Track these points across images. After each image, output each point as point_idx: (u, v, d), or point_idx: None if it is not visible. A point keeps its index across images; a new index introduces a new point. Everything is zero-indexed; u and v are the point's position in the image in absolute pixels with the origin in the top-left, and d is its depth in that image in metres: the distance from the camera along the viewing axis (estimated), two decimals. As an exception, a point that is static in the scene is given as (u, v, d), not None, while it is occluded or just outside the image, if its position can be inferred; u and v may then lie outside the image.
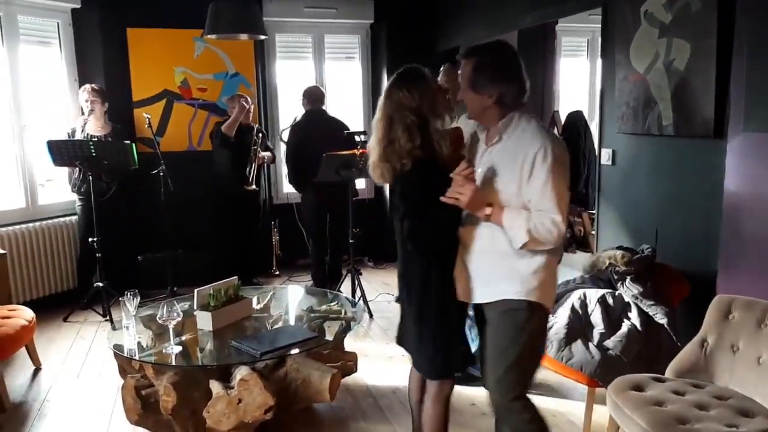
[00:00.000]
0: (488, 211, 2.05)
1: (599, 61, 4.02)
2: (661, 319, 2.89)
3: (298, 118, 5.06)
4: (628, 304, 3.00)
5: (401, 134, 2.14)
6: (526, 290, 2.10)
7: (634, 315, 2.94)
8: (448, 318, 2.25)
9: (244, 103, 4.98)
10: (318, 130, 4.80)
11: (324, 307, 3.43)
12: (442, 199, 2.07)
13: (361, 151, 4.25)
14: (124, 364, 3.08)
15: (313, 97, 4.97)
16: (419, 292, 2.26)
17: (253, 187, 5.08)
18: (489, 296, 2.16)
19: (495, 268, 2.13)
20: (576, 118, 5.81)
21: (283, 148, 5.24)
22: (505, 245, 2.08)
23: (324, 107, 5.02)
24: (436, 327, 2.25)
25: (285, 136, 5.22)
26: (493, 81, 2.09)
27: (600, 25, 3.84)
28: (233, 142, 4.96)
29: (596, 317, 2.99)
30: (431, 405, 2.37)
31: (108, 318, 4.52)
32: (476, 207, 2.06)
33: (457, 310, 2.26)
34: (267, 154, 5.29)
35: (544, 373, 3.43)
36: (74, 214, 4.96)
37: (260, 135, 5.17)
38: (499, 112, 2.12)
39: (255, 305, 3.43)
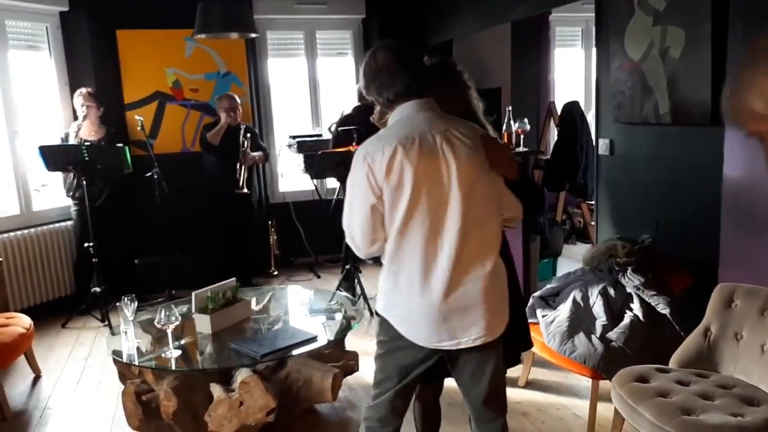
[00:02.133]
0: None
1: (594, 51, 4.00)
2: (663, 309, 2.87)
3: (345, 112, 5.07)
4: (630, 295, 2.98)
5: None
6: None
7: (636, 306, 2.93)
8: None
9: (229, 113, 4.97)
10: (364, 124, 4.76)
11: (324, 307, 3.41)
12: None
13: (356, 147, 4.22)
14: (124, 369, 3.06)
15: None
16: None
17: (245, 190, 5.01)
18: None
19: None
20: (572, 108, 5.78)
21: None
22: None
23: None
24: None
25: (333, 128, 5.21)
26: (364, 88, 2.02)
27: (594, 14, 3.81)
28: (217, 147, 4.97)
29: (598, 309, 2.97)
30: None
31: (107, 323, 4.49)
32: None
33: None
34: (258, 153, 5.19)
35: (549, 367, 3.42)
36: (69, 219, 4.92)
37: (249, 135, 5.08)
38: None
39: (254, 307, 3.40)
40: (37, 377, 3.76)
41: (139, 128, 4.79)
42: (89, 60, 5.11)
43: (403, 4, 5.81)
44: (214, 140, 4.95)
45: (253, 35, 4.54)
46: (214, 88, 5.45)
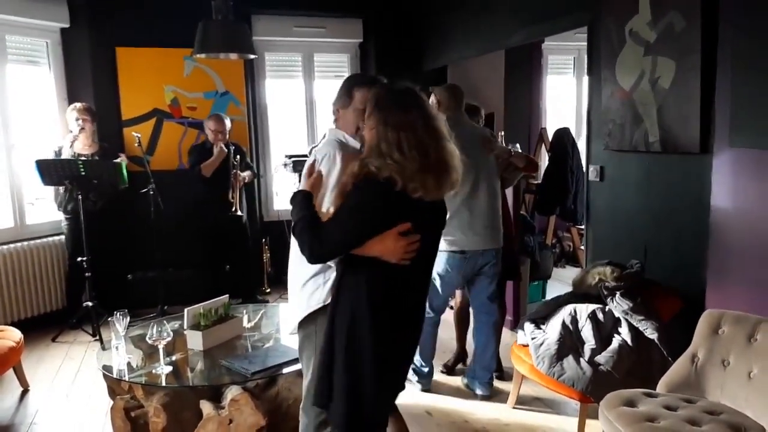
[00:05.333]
0: None
1: (585, 79, 4.07)
2: (651, 334, 2.90)
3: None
4: (619, 319, 3.01)
5: None
6: None
7: (624, 330, 2.96)
8: None
9: (217, 135, 4.95)
10: None
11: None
12: None
13: None
14: (114, 385, 3.04)
15: None
16: None
17: (239, 213, 5.00)
18: None
19: None
20: (563, 134, 5.87)
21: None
22: None
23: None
24: None
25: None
26: None
27: (586, 44, 3.90)
28: (209, 177, 4.96)
29: (587, 333, 3.00)
30: None
31: (98, 338, 4.46)
32: None
33: None
34: (247, 173, 5.18)
35: (537, 389, 3.44)
36: (62, 233, 4.92)
37: (238, 156, 5.06)
38: None
39: (246, 324, 3.41)
40: (25, 391, 3.73)
41: (136, 144, 4.82)
42: (88, 76, 5.15)
43: (400, 29, 5.90)
44: (208, 173, 4.92)
45: (252, 56, 4.60)
46: (212, 107, 5.49)
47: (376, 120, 1.96)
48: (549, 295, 5.00)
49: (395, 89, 2.06)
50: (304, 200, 2.05)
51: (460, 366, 3.90)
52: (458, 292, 3.83)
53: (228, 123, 5.07)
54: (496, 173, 3.51)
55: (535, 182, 6.19)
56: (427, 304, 3.42)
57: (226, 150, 4.96)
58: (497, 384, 3.64)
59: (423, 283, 2.12)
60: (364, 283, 1.96)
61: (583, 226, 4.72)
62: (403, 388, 2.17)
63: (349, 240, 1.93)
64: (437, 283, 3.40)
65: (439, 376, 3.73)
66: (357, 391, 1.97)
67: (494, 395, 3.52)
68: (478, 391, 3.55)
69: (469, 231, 3.33)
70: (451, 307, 4.07)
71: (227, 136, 5.07)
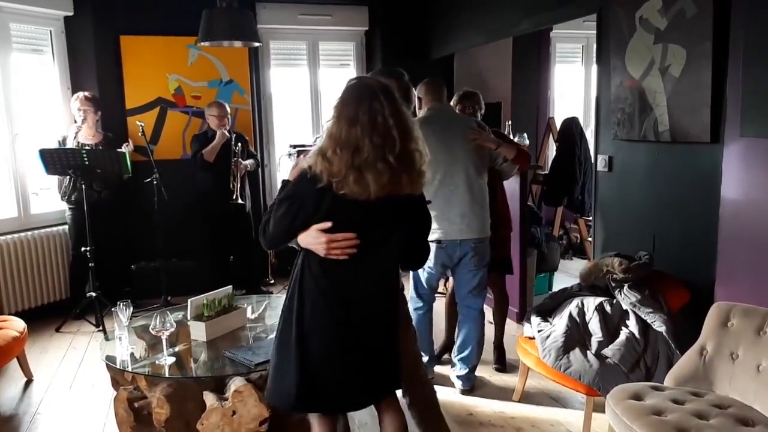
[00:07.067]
0: None
1: (594, 67, 4.02)
2: (659, 326, 2.87)
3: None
4: (626, 311, 2.98)
5: None
6: None
7: (632, 323, 2.92)
8: None
9: (225, 132, 4.91)
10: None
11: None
12: None
13: None
14: (117, 375, 3.03)
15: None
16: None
17: (240, 201, 4.97)
18: None
19: None
20: (571, 124, 5.81)
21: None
22: None
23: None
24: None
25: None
26: None
27: (595, 31, 3.83)
28: (213, 163, 4.92)
29: (594, 325, 2.97)
30: None
31: (101, 328, 4.47)
32: None
33: None
34: (249, 162, 5.15)
35: (543, 382, 3.41)
36: (66, 223, 4.91)
37: (239, 144, 5.03)
38: None
39: (249, 315, 3.39)
40: (28, 381, 3.74)
41: (140, 134, 4.80)
42: (92, 65, 5.13)
43: (406, 17, 5.84)
44: (210, 158, 4.88)
45: (257, 44, 4.56)
46: (216, 96, 5.46)
47: (334, 111, 2.03)
48: (556, 288, 4.96)
49: (359, 83, 2.08)
50: (281, 189, 2.17)
51: (447, 356, 3.87)
52: (450, 281, 3.78)
53: (229, 110, 5.05)
54: (480, 163, 3.34)
55: (542, 173, 6.14)
56: (413, 292, 3.43)
57: (227, 134, 4.93)
58: (503, 377, 3.62)
59: (371, 278, 2.09)
60: (301, 263, 2.08)
61: (590, 217, 4.68)
62: (367, 385, 2.15)
63: (277, 231, 2.04)
64: (419, 271, 3.36)
65: (443, 369, 3.71)
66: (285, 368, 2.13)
67: (494, 388, 3.51)
68: (456, 385, 3.49)
69: (444, 220, 3.22)
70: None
71: (229, 122, 5.04)
